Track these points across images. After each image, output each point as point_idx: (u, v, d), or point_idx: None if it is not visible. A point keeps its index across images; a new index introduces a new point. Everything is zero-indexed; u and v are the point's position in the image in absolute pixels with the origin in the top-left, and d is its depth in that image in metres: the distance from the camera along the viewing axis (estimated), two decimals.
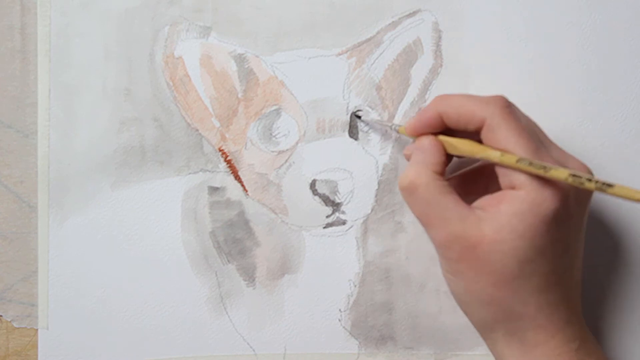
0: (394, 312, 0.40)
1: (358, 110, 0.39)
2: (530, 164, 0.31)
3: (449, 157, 0.35)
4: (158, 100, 0.40)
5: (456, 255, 0.32)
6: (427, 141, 0.34)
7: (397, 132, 0.37)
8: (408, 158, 0.36)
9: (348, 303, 0.40)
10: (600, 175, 0.39)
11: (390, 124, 0.38)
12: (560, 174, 0.30)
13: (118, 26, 0.40)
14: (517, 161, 0.31)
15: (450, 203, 0.33)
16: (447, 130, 0.34)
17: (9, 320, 0.40)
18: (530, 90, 0.39)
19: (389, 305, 0.40)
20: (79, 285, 0.40)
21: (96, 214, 0.40)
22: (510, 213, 0.31)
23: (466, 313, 0.34)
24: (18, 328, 0.40)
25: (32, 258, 0.40)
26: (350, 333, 0.40)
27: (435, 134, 0.35)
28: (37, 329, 0.40)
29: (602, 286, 0.40)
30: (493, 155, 0.32)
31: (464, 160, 0.37)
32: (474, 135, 0.34)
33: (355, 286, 0.40)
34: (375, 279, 0.40)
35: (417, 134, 0.35)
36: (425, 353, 0.40)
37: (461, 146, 0.34)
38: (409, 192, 0.33)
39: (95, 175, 0.40)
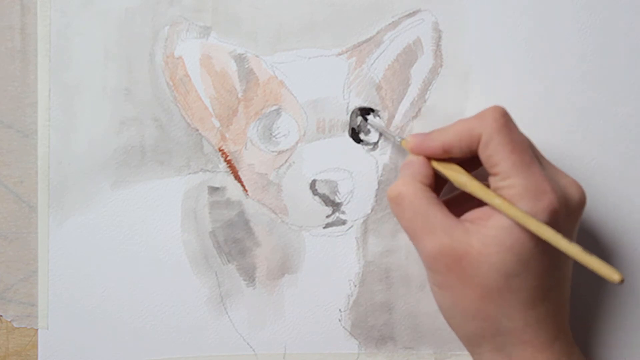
0: (394, 312, 0.40)
1: (364, 110, 0.39)
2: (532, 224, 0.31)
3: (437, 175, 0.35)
4: (158, 100, 0.40)
5: (443, 267, 0.32)
6: (415, 158, 0.35)
7: (400, 144, 0.37)
8: None
9: (348, 303, 0.40)
10: (600, 177, 0.39)
11: (394, 135, 0.38)
12: (570, 248, 0.30)
13: (118, 26, 0.39)
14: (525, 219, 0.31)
15: (438, 214, 0.33)
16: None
17: (9, 320, 0.40)
18: (530, 90, 0.39)
19: (389, 305, 0.40)
20: (79, 285, 0.40)
21: (96, 214, 0.40)
22: (499, 227, 0.31)
23: (453, 327, 0.34)
24: (18, 328, 0.40)
25: (32, 258, 0.40)
26: (350, 333, 0.40)
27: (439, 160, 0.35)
28: (37, 329, 0.40)
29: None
30: (496, 203, 0.32)
31: None
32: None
33: (355, 286, 0.40)
34: (375, 279, 0.40)
35: (417, 154, 0.35)
36: (425, 353, 0.40)
37: (472, 188, 0.33)
38: (397, 203, 0.34)
39: (95, 175, 0.40)
